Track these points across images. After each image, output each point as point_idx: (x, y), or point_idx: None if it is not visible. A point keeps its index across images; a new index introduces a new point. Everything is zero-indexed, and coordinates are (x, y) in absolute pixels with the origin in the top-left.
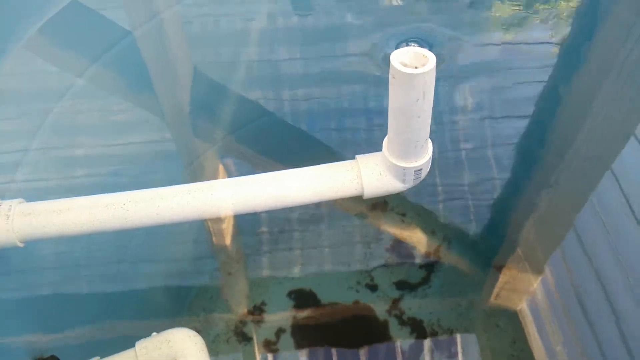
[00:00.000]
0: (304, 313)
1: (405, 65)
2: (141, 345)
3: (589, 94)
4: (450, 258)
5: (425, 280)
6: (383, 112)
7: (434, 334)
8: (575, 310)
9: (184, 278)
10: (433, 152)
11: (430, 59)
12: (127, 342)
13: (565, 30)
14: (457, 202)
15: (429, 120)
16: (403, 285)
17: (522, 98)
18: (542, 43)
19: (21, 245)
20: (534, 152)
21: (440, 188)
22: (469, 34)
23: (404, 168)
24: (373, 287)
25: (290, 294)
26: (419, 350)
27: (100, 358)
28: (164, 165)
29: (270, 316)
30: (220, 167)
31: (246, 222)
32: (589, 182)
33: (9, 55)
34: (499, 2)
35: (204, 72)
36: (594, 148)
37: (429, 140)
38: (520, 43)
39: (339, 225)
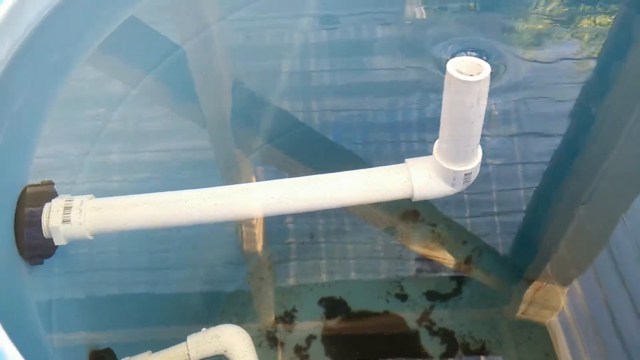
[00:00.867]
0: (335, 320)
1: (460, 73)
2: (192, 339)
3: (622, 112)
4: (480, 269)
5: (456, 292)
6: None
7: (465, 345)
8: (607, 329)
9: (217, 283)
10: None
11: (485, 68)
12: (161, 347)
13: (599, 47)
14: (487, 217)
15: (481, 127)
16: (433, 296)
17: (555, 114)
18: (574, 59)
19: (91, 237)
20: (567, 169)
21: (469, 198)
22: (505, 49)
23: (455, 172)
24: (403, 297)
25: (321, 301)
26: None
27: (152, 352)
28: (203, 172)
29: (301, 323)
30: (254, 175)
31: (274, 232)
32: (623, 200)
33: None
34: (534, 16)
35: (243, 82)
36: (627, 166)
37: (479, 145)
38: (552, 60)
39: (368, 237)
